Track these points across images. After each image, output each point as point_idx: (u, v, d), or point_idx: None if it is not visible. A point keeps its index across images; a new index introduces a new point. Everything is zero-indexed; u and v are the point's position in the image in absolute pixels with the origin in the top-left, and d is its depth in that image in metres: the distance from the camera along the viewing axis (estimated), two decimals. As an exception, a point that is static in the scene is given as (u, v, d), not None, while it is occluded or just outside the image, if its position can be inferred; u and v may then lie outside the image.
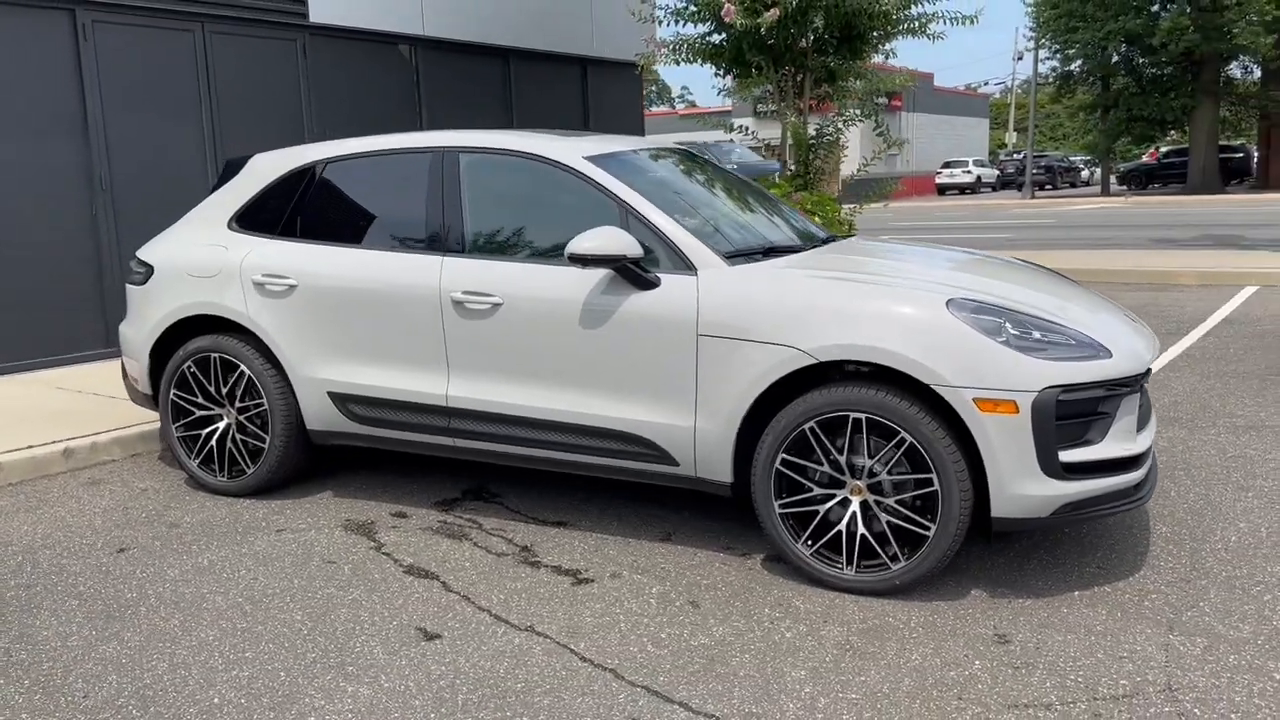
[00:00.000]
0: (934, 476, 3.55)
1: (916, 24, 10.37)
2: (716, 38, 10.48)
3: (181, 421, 4.98)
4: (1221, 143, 37.23)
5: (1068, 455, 3.53)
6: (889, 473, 3.65)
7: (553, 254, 4.25)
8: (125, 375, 5.34)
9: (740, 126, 10.74)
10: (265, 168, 5.00)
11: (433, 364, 4.42)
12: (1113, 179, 41.24)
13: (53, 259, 7.74)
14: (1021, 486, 3.50)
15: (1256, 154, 39.26)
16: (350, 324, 4.57)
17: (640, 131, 12.94)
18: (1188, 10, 31.57)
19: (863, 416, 3.62)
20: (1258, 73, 35.80)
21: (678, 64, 10.93)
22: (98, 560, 4.22)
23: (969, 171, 46.47)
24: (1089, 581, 3.78)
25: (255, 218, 4.93)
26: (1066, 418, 3.52)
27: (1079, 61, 37.05)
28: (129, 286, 5.24)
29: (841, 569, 3.74)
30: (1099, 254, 12.56)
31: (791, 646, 3.35)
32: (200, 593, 3.87)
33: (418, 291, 4.40)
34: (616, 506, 4.68)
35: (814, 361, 3.68)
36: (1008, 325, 3.61)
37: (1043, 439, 3.48)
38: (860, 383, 3.67)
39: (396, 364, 4.50)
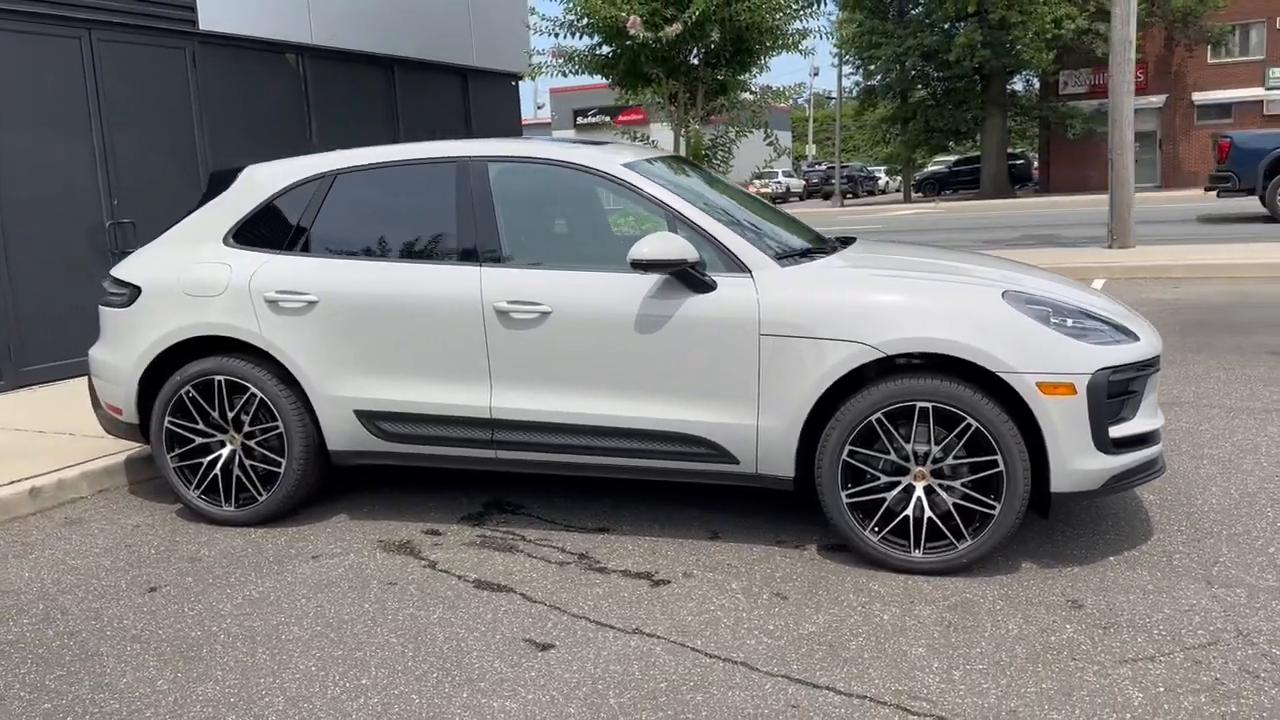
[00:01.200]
0: (998, 458, 3.80)
1: (792, 40, 10.90)
2: (606, 49, 10.65)
3: (178, 450, 4.67)
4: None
5: (1114, 431, 3.85)
6: (952, 457, 3.88)
7: (598, 260, 4.26)
8: (98, 405, 4.94)
9: (645, 135, 10.91)
10: (266, 180, 4.75)
11: (473, 376, 4.33)
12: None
13: (-68, 285, 7.04)
14: (1079, 462, 3.80)
15: (1036, 160, 42.85)
16: (379, 339, 4.42)
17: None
18: (979, 28, 34.06)
19: (929, 405, 3.84)
20: (1038, 85, 39.08)
21: (565, 75, 11.03)
22: (133, 601, 3.93)
23: (780, 182, 48.36)
24: (1115, 547, 4.12)
25: (258, 232, 4.68)
26: (1113, 397, 3.85)
27: (879, 76, 39.30)
28: (105, 310, 4.86)
29: (909, 552, 3.93)
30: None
31: (896, 627, 3.51)
32: (271, 625, 3.68)
33: (456, 303, 4.31)
34: (650, 509, 4.73)
35: (881, 355, 3.87)
36: (1051, 314, 3.91)
37: (1097, 417, 3.79)
38: (924, 374, 3.88)
39: (432, 377, 4.39)
